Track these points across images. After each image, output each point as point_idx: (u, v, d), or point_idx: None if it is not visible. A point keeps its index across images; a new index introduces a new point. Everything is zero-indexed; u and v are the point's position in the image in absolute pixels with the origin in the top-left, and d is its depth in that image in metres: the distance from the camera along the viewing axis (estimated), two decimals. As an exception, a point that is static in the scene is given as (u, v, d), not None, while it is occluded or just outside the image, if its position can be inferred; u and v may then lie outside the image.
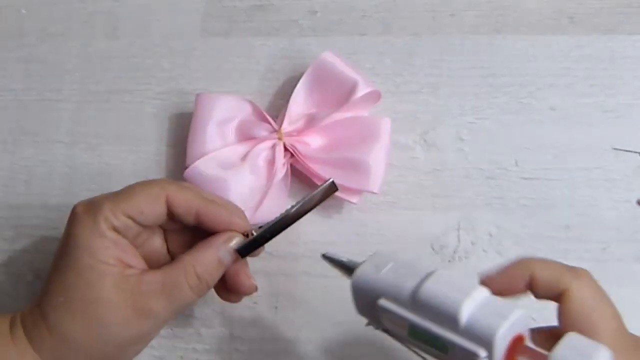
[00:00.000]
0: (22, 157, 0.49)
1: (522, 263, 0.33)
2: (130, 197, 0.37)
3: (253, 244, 0.38)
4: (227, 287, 0.39)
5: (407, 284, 0.31)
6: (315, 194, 0.38)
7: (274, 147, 0.45)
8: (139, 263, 0.38)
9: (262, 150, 0.45)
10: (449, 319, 0.29)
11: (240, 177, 0.44)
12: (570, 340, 0.29)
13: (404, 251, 0.45)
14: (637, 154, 0.46)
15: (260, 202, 0.44)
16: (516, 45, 0.49)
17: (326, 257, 0.37)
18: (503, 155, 0.47)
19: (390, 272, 0.33)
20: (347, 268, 0.35)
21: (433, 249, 0.45)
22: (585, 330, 0.30)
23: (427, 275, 0.31)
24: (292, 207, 0.38)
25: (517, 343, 0.29)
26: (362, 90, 0.44)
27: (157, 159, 0.48)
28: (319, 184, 0.45)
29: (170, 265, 0.37)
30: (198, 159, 0.44)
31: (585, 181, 0.46)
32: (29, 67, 0.51)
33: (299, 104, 0.46)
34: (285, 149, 0.45)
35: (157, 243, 0.40)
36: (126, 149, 0.49)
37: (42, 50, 0.52)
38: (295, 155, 0.45)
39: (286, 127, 0.45)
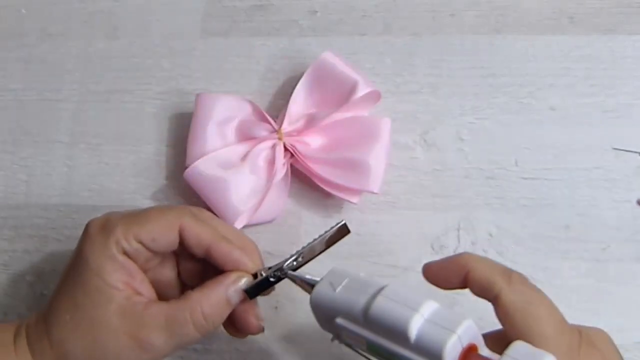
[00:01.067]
0: (22, 157, 0.49)
1: (460, 260, 0.33)
2: (144, 223, 0.37)
3: (262, 285, 0.37)
4: (234, 324, 0.39)
5: (360, 302, 0.32)
6: (327, 236, 0.37)
7: (274, 147, 0.45)
8: (147, 290, 0.37)
9: (262, 150, 0.45)
10: (400, 336, 0.30)
11: (240, 177, 0.44)
12: (516, 349, 0.29)
13: (404, 251, 0.45)
14: (637, 154, 0.46)
15: (260, 202, 0.44)
16: (516, 45, 0.49)
17: (288, 275, 0.37)
18: (503, 155, 0.47)
19: (345, 290, 0.33)
20: (308, 285, 0.35)
21: (433, 249, 0.45)
22: (523, 335, 0.31)
23: (377, 292, 0.31)
24: (303, 248, 0.37)
25: (469, 353, 0.29)
26: (362, 90, 0.44)
27: (157, 159, 0.48)
28: (319, 184, 0.45)
29: (177, 300, 0.36)
30: (198, 159, 0.44)
31: (585, 181, 0.46)
32: (29, 67, 0.51)
33: (299, 104, 0.46)
34: (285, 149, 0.45)
35: (168, 268, 0.39)
36: (126, 149, 0.49)
37: (42, 50, 0.52)
38: (295, 155, 0.45)
39: (286, 127, 0.45)
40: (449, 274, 0.34)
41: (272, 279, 0.37)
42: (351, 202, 0.45)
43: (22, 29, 0.53)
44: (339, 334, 0.34)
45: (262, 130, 0.45)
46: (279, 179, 0.45)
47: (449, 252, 0.45)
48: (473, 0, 0.50)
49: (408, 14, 0.50)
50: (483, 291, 0.33)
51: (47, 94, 0.51)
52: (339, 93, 0.45)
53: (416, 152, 0.47)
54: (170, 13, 0.52)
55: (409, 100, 0.48)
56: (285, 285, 0.45)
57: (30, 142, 0.50)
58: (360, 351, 0.33)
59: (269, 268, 0.37)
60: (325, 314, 0.34)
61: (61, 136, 0.50)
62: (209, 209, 0.43)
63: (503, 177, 0.46)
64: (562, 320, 0.32)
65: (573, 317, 0.43)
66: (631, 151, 0.46)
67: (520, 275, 0.33)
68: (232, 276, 0.37)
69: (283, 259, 0.37)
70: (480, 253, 0.44)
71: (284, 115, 0.45)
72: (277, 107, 0.48)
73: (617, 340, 0.42)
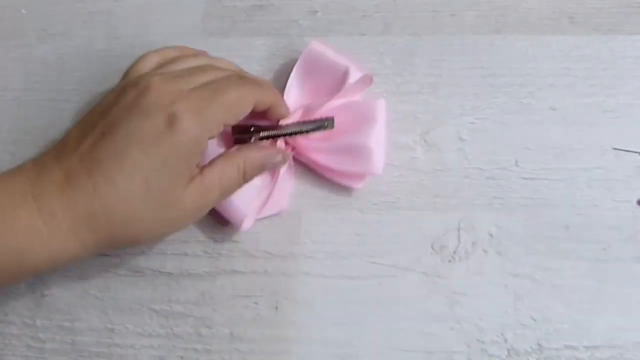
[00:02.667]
0: (22, 157, 0.49)
1: None
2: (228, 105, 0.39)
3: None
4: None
5: None
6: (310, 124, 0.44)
7: (274, 142, 0.45)
8: None
9: None
10: None
11: None
12: None
13: (404, 251, 0.45)
14: (637, 154, 0.46)
15: (265, 201, 0.44)
16: (516, 45, 0.49)
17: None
18: (503, 155, 0.47)
19: None
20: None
21: (433, 249, 0.45)
22: None
23: None
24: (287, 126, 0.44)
25: None
26: (353, 76, 0.45)
27: (157, 159, 0.48)
28: (323, 173, 0.45)
29: None
30: None
31: (585, 181, 0.46)
32: (29, 67, 0.51)
33: (293, 96, 0.46)
34: (286, 143, 0.45)
35: None
36: (126, 149, 0.49)
37: (42, 50, 0.52)
38: (296, 148, 0.45)
39: (283, 121, 0.45)
40: None
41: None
42: (355, 187, 0.45)
43: (22, 29, 0.53)
44: None
45: None
46: (282, 173, 0.45)
47: (449, 252, 0.45)
48: (473, 0, 0.50)
49: (408, 14, 0.50)
50: None
51: (47, 94, 0.51)
52: (331, 81, 0.46)
53: (416, 152, 0.47)
54: (170, 13, 0.52)
55: (409, 100, 0.48)
56: (285, 285, 0.45)
57: (30, 142, 0.50)
58: None
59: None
60: None
61: (61, 136, 0.49)
62: (214, 212, 0.43)
63: (503, 177, 0.46)
64: None
65: (573, 317, 0.43)
66: (631, 151, 0.46)
67: None
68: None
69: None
70: (480, 253, 0.44)
71: None
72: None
73: (617, 340, 0.42)
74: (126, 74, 0.43)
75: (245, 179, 0.41)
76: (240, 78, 0.41)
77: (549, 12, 0.50)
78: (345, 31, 0.50)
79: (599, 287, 0.44)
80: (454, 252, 0.45)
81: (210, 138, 0.39)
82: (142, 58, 0.43)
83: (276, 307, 0.44)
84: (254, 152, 0.42)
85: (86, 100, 0.50)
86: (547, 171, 0.46)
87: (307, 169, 0.46)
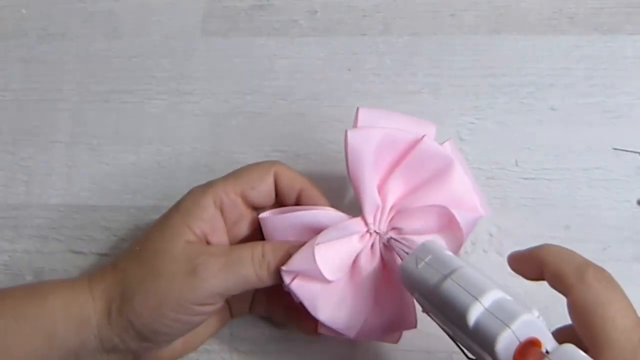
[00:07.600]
0: (22, 157, 0.49)
1: (537, 252, 0.33)
2: (240, 174, 0.39)
3: None
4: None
5: (432, 282, 0.32)
6: None
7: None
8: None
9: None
10: (461, 322, 0.30)
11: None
12: (562, 352, 0.28)
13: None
14: (637, 154, 0.46)
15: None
16: (516, 45, 0.49)
17: (392, 240, 0.37)
18: (503, 155, 0.47)
19: (424, 268, 0.33)
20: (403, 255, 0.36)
21: (433, 249, 0.45)
22: (588, 336, 0.30)
23: (449, 274, 0.31)
24: None
25: (528, 347, 0.29)
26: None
27: (157, 159, 0.48)
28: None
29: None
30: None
31: (585, 181, 0.46)
32: (29, 67, 0.52)
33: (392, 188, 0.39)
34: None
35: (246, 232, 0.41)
36: (126, 149, 0.49)
37: (42, 50, 0.52)
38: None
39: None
40: (528, 265, 0.33)
41: None
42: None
43: (22, 29, 0.53)
44: (422, 307, 0.34)
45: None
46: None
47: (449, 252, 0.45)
48: (473, 0, 0.50)
49: (408, 14, 0.50)
50: (556, 287, 0.32)
51: (47, 94, 0.51)
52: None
53: (416, 152, 0.47)
54: (170, 13, 0.52)
55: (409, 100, 0.48)
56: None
57: (30, 142, 0.50)
58: (441, 326, 0.33)
59: None
60: (408, 288, 0.34)
61: (61, 136, 0.50)
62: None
63: (503, 177, 0.46)
64: (634, 321, 0.30)
65: (573, 317, 0.43)
66: (631, 151, 0.46)
67: (596, 271, 0.31)
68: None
69: None
70: (480, 253, 0.44)
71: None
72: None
73: (617, 340, 0.42)
74: None
75: (265, 258, 0.37)
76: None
77: (549, 12, 0.50)
78: (345, 31, 0.50)
79: (599, 287, 0.44)
80: (454, 252, 0.45)
81: (219, 207, 0.38)
82: None
83: (276, 307, 0.44)
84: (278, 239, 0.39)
85: (86, 100, 0.50)
86: (547, 171, 0.46)
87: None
